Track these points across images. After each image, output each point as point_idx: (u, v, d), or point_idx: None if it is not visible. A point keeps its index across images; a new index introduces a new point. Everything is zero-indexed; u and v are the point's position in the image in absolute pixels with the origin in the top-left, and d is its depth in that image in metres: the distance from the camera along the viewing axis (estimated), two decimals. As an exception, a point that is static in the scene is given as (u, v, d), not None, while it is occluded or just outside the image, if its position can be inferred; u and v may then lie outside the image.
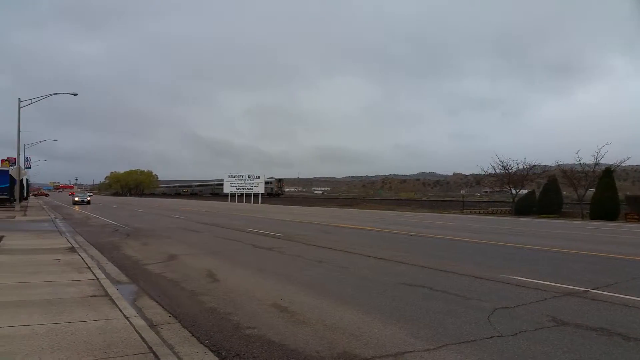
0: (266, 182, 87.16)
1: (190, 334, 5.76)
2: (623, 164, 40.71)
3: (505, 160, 46.09)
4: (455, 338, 5.68)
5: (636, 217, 33.85)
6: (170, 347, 5.12)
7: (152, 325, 5.96)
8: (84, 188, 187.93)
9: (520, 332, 5.92)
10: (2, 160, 59.16)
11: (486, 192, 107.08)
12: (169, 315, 6.66)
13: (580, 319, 6.52)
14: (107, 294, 7.58)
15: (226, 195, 79.74)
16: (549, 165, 48.10)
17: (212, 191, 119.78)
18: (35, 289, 7.87)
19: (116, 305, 6.80)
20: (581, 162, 41.27)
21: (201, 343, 5.45)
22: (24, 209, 37.75)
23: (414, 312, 6.84)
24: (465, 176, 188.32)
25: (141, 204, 64.25)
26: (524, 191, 46.61)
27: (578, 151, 41.04)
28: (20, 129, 36.35)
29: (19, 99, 35.71)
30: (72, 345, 5.05)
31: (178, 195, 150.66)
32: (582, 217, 37.68)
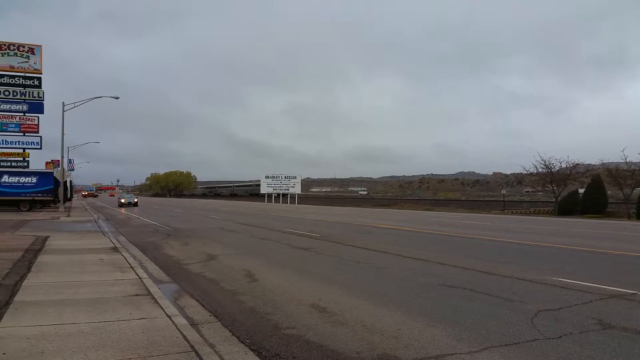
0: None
1: (230, 333, 5.82)
2: (672, 162, 39.10)
3: (547, 159, 44.89)
4: (498, 341, 5.54)
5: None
6: (212, 346, 5.18)
7: (193, 324, 6.04)
8: (126, 189, 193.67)
9: (565, 335, 5.73)
10: (46, 162, 61.75)
11: (527, 191, 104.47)
12: (210, 314, 6.75)
13: (627, 322, 6.25)
14: (149, 293, 7.74)
15: (263, 195, 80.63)
16: (593, 164, 46.65)
17: (250, 192, 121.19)
18: (80, 288, 8.10)
19: (158, 304, 6.94)
20: (627, 160, 39.94)
21: (241, 342, 5.50)
22: (68, 210, 38.86)
23: (455, 314, 6.72)
24: (506, 175, 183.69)
25: (180, 204, 65.61)
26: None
27: (624, 149, 39.39)
28: (64, 132, 37.26)
29: (63, 102, 36.38)
30: (116, 343, 5.17)
31: (217, 196, 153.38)
32: (628, 217, 36.31)
